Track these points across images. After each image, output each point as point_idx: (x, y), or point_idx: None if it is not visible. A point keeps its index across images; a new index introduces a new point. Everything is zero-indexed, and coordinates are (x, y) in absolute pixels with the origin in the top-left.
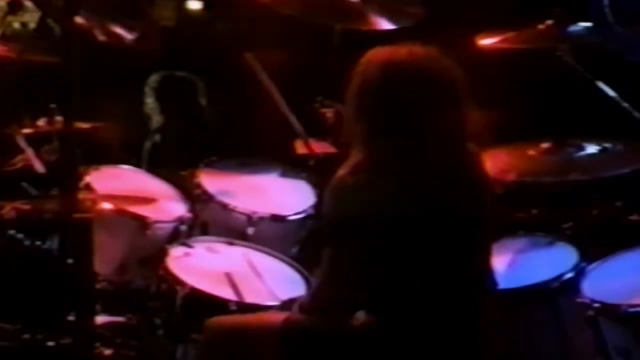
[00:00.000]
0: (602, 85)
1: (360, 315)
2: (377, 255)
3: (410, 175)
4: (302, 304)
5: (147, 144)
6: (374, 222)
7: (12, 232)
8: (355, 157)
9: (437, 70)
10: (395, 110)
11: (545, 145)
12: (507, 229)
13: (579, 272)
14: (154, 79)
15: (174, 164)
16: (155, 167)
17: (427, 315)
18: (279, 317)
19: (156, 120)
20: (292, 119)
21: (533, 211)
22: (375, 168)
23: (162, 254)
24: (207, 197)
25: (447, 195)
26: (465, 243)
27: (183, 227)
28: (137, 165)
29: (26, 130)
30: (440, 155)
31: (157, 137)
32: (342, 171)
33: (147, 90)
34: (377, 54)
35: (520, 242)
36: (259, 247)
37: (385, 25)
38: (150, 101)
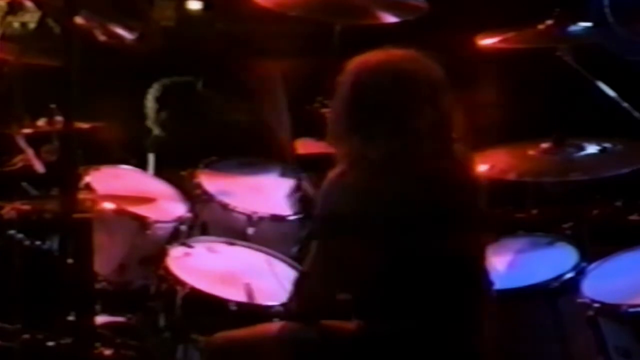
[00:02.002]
0: (602, 85)
1: (354, 321)
2: (364, 257)
3: (393, 175)
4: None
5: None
6: (359, 223)
7: (12, 232)
8: (339, 158)
9: (416, 71)
10: (375, 112)
11: (545, 145)
12: (507, 229)
13: (579, 272)
14: (154, 89)
15: (174, 164)
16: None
17: (422, 317)
18: (274, 327)
19: (155, 132)
20: None
21: (533, 211)
22: (359, 168)
23: (162, 254)
24: (207, 197)
25: (429, 195)
26: (453, 243)
27: (183, 227)
28: (138, 165)
29: (26, 130)
30: (421, 156)
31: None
32: (331, 173)
33: (149, 100)
34: (357, 58)
35: (520, 242)
36: (259, 247)
37: (389, 18)
38: (150, 112)
